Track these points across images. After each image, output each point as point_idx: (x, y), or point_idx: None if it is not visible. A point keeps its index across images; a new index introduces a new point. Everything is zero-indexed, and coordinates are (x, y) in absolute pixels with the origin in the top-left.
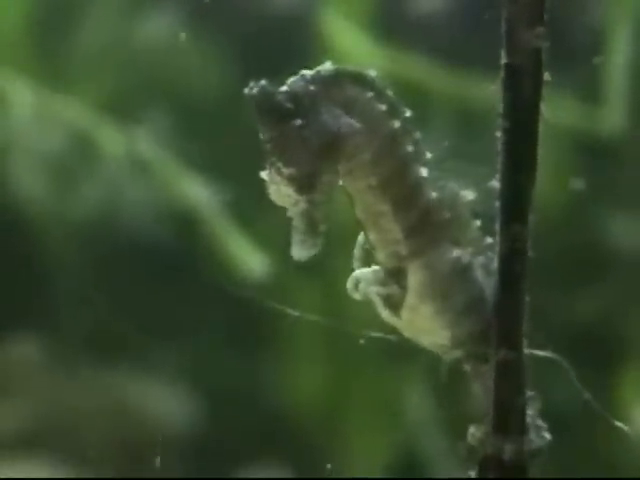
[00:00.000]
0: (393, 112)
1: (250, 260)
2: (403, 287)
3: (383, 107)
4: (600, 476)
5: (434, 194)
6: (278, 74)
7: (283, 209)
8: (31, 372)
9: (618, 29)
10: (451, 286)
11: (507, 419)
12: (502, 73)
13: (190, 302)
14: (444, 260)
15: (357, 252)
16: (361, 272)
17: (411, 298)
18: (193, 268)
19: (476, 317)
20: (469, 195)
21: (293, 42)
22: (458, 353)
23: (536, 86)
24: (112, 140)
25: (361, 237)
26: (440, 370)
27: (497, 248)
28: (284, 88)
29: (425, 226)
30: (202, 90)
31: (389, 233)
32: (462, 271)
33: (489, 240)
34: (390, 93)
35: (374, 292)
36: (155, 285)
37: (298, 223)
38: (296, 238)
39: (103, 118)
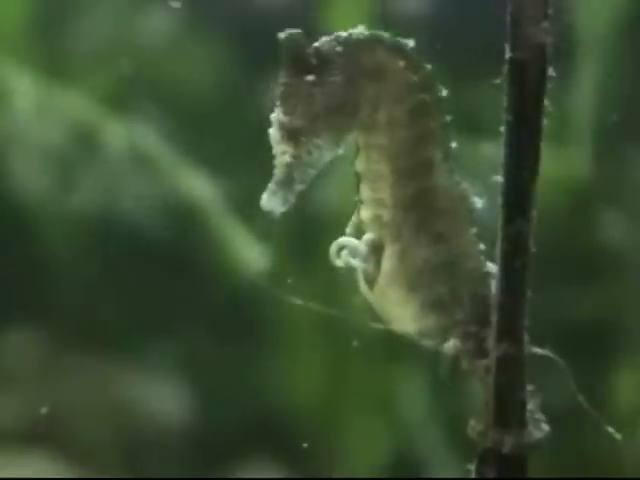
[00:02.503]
0: (425, 86)
1: (250, 253)
2: (379, 267)
3: (415, 78)
4: (595, 473)
5: (443, 181)
6: (277, 68)
7: None
8: (27, 365)
9: (583, 65)
10: (419, 280)
11: (507, 413)
12: (506, 67)
13: (189, 296)
14: (419, 254)
15: (354, 219)
16: (347, 240)
17: (382, 280)
18: (193, 261)
19: (441, 315)
20: (478, 203)
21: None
22: (428, 343)
23: (540, 80)
24: (113, 133)
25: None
26: (439, 365)
27: (499, 243)
28: (315, 44)
29: (417, 204)
30: (203, 84)
31: (380, 194)
32: (435, 269)
33: (481, 247)
34: (427, 67)
35: (353, 264)
36: (154, 278)
37: (277, 172)
38: (270, 187)
39: (105, 111)
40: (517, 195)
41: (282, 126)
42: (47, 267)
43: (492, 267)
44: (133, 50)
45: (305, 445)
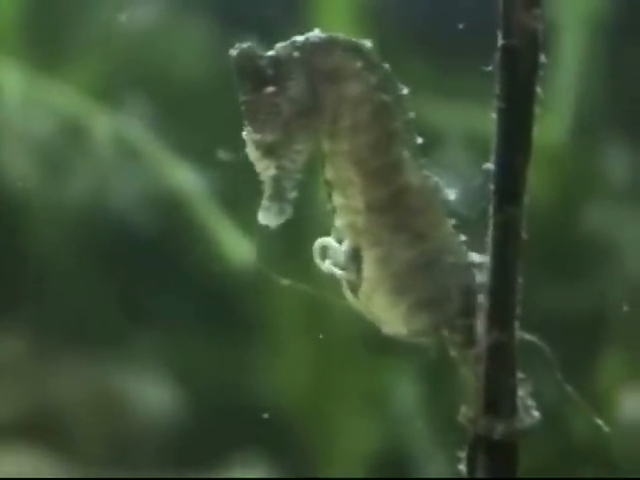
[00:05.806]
0: (385, 86)
1: (238, 247)
2: (361, 274)
3: (374, 79)
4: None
5: (414, 179)
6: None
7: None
8: (12, 358)
9: (563, 35)
10: (405, 283)
11: (498, 400)
12: (498, 54)
13: (175, 288)
14: (402, 257)
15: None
16: (328, 240)
17: (365, 287)
18: (179, 253)
19: (432, 313)
20: (450, 194)
21: (284, 23)
22: (419, 341)
23: (532, 67)
24: (101, 126)
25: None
26: (426, 357)
27: (490, 230)
28: (269, 53)
29: (392, 207)
30: (191, 77)
31: (352, 201)
32: (420, 269)
33: (462, 238)
34: (386, 66)
35: (336, 273)
36: (141, 270)
37: (267, 188)
38: (264, 204)
39: (92, 104)
40: (509, 182)
41: (258, 144)
42: (32, 259)
43: (475, 257)
44: (121, 41)
45: (293, 435)
